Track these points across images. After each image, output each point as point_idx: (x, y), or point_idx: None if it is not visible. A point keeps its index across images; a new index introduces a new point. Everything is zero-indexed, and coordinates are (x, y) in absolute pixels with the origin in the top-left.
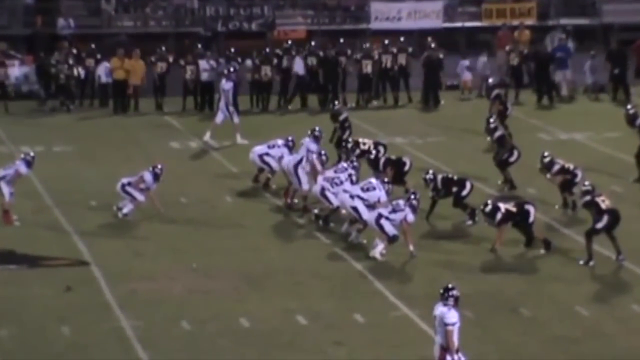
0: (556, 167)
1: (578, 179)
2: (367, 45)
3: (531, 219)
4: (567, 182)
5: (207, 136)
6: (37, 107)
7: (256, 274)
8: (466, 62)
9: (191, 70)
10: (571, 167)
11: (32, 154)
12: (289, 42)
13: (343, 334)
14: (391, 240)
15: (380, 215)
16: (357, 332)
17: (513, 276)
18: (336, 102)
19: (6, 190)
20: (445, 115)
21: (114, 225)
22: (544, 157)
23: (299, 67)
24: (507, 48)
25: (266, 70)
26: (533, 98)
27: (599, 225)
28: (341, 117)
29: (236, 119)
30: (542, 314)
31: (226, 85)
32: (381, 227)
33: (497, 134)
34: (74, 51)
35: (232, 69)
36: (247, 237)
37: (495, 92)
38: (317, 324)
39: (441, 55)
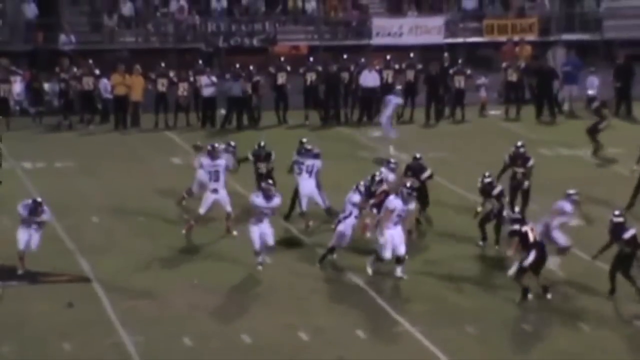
0: (497, 189)
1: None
2: (363, 60)
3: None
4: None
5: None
6: (33, 123)
7: (258, 289)
8: (484, 79)
9: (183, 87)
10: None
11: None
12: (282, 58)
13: (345, 349)
14: (380, 258)
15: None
16: (358, 347)
17: (515, 292)
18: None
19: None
20: (447, 131)
21: (115, 242)
22: (485, 177)
23: (370, 80)
24: (504, 65)
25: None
26: (533, 114)
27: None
28: None
29: None
30: (545, 330)
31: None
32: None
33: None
34: (96, 70)
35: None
36: (249, 253)
37: None
38: (319, 340)
39: (460, 71)
